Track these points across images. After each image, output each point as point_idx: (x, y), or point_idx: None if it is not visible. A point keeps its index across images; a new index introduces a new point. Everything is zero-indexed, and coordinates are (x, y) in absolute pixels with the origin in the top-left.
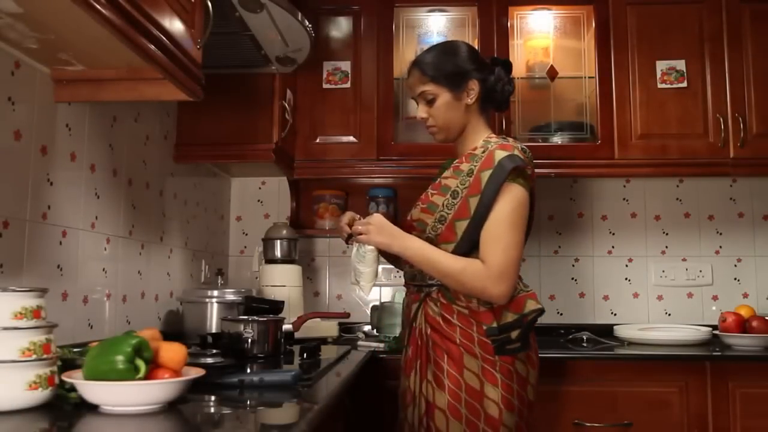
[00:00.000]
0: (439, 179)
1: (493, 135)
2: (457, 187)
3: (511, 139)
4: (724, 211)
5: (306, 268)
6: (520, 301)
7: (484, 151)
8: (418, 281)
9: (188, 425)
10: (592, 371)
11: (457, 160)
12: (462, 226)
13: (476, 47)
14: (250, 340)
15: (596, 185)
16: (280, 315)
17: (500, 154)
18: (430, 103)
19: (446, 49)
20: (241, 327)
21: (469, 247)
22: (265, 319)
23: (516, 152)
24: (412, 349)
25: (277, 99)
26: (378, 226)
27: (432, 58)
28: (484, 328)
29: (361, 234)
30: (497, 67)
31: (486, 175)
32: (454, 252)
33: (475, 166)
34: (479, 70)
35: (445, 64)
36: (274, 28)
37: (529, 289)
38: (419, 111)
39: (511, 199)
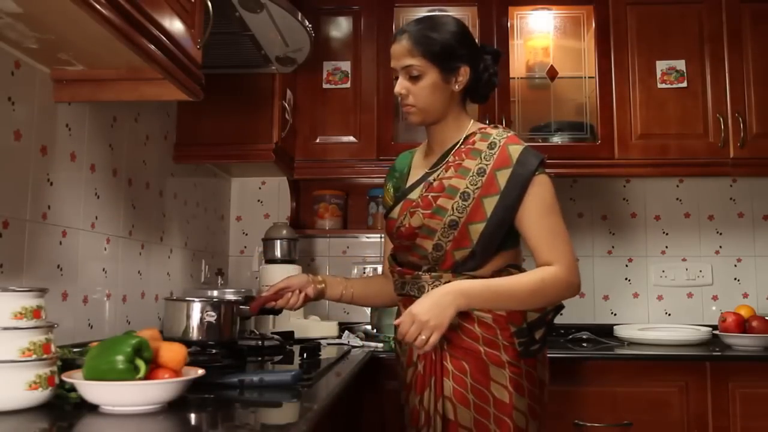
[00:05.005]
0: (435, 180)
1: (481, 125)
2: (467, 188)
3: (501, 128)
4: (724, 211)
5: (306, 268)
6: None
7: (490, 147)
8: (415, 293)
9: (188, 425)
10: (592, 371)
11: (451, 157)
12: (477, 229)
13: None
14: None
15: (596, 185)
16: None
17: (515, 150)
18: (414, 80)
19: (445, 25)
20: (184, 310)
21: (485, 252)
22: (217, 300)
23: (523, 143)
24: (424, 364)
25: (277, 99)
26: (422, 317)
27: (429, 32)
28: (513, 329)
29: (420, 342)
30: (487, 56)
31: (504, 174)
32: (469, 259)
33: (486, 164)
34: (474, 56)
35: (442, 42)
36: (274, 28)
37: None
38: (398, 85)
39: (543, 189)
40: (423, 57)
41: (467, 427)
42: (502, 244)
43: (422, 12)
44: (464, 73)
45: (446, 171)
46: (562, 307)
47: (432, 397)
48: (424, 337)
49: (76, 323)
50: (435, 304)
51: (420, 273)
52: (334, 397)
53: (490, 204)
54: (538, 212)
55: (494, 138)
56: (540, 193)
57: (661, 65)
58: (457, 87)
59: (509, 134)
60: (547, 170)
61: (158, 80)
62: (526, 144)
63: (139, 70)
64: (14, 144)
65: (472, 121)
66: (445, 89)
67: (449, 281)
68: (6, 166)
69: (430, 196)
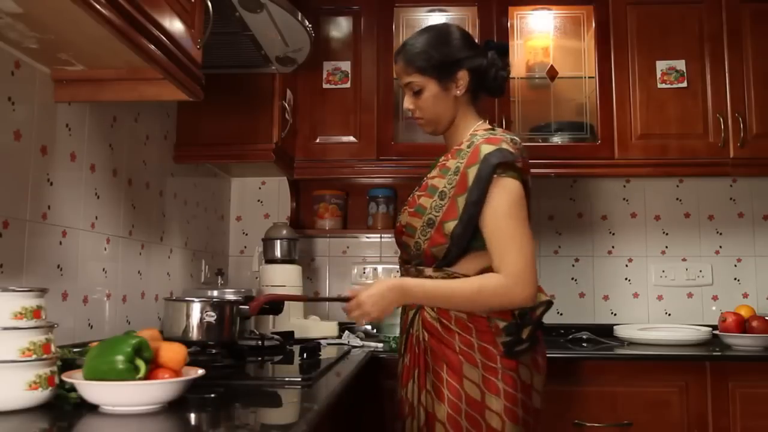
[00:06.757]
0: (425, 180)
1: (482, 126)
2: (445, 187)
3: (499, 130)
4: (724, 211)
5: (306, 268)
6: None
7: (469, 146)
8: None
9: (188, 425)
10: (592, 371)
11: (442, 158)
12: (450, 227)
13: None
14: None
15: (596, 185)
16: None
17: (486, 149)
18: (417, 94)
19: (436, 36)
20: (184, 310)
21: (459, 250)
22: (217, 300)
23: (504, 145)
24: (409, 357)
25: (277, 99)
26: (370, 302)
27: (420, 47)
28: (502, 325)
29: (357, 318)
30: (491, 52)
31: (472, 171)
32: (446, 257)
33: (461, 162)
34: (470, 57)
35: (433, 54)
36: (274, 28)
37: None
38: (406, 102)
39: (505, 192)
40: (418, 73)
41: (441, 422)
42: (475, 243)
43: (422, 12)
44: (463, 77)
45: (434, 171)
46: (551, 303)
47: (415, 388)
48: (362, 320)
49: (76, 323)
50: (381, 297)
51: (408, 267)
52: (334, 397)
53: (462, 202)
54: (495, 215)
55: (477, 137)
56: (502, 194)
57: (661, 65)
58: (458, 92)
59: (492, 134)
60: (547, 170)
61: (158, 80)
62: (503, 147)
63: (139, 70)
64: (14, 144)
65: (479, 122)
66: (446, 97)
67: (430, 276)
68: (6, 166)
69: (416, 195)
